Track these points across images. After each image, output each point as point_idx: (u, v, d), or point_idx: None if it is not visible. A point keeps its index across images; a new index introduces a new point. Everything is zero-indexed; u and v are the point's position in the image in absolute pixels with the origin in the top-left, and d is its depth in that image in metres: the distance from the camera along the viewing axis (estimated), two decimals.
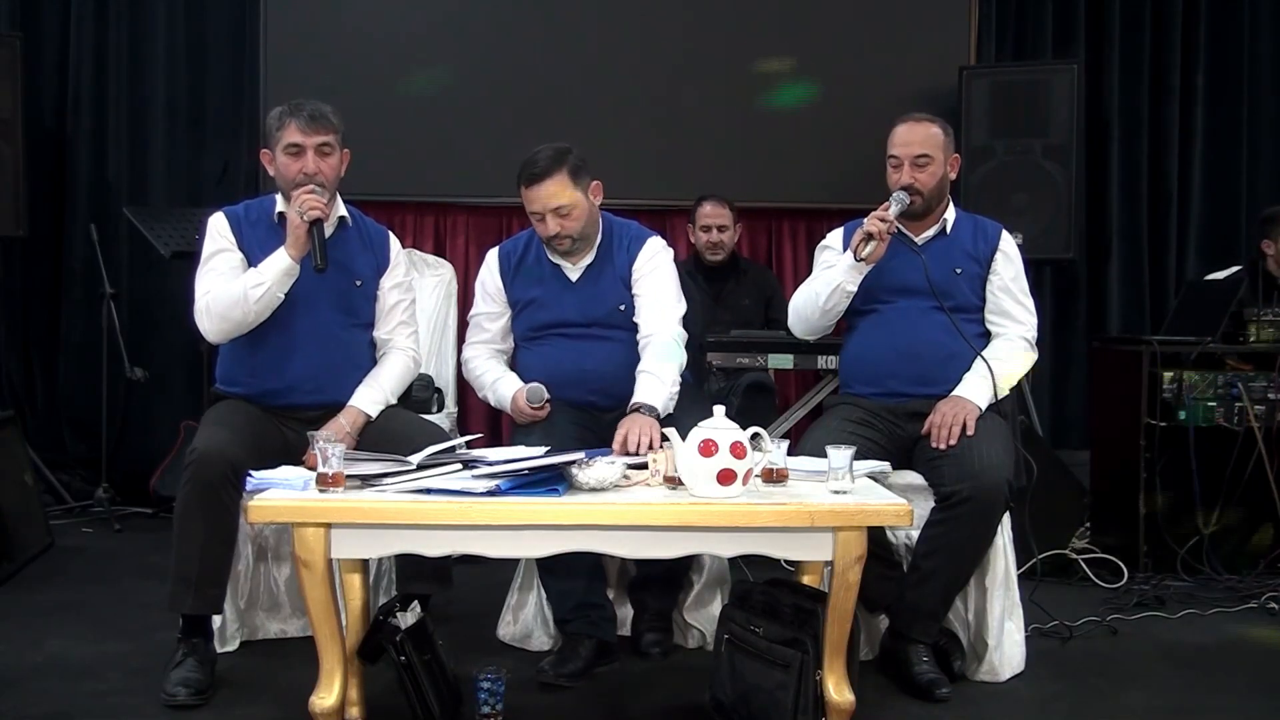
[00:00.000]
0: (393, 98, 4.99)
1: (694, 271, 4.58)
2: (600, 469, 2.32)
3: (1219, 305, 4.03)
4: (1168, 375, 3.92)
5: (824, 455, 2.40)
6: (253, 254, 2.92)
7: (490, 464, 2.32)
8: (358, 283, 3.02)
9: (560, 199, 2.97)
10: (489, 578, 3.32)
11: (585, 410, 3.04)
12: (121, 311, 4.75)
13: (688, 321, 3.13)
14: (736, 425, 2.29)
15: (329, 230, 2.92)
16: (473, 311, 3.24)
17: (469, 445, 2.61)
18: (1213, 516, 3.90)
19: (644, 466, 2.46)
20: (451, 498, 2.24)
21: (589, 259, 3.11)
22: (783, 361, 4.11)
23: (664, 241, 3.20)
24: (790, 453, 2.50)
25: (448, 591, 2.89)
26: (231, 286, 2.84)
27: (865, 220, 2.95)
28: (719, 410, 2.34)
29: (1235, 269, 4.57)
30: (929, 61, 5.16)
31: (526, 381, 3.04)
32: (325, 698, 2.32)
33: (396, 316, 3.10)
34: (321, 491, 2.26)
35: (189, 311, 2.94)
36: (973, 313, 3.06)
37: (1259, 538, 3.96)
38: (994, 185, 4.77)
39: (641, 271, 3.10)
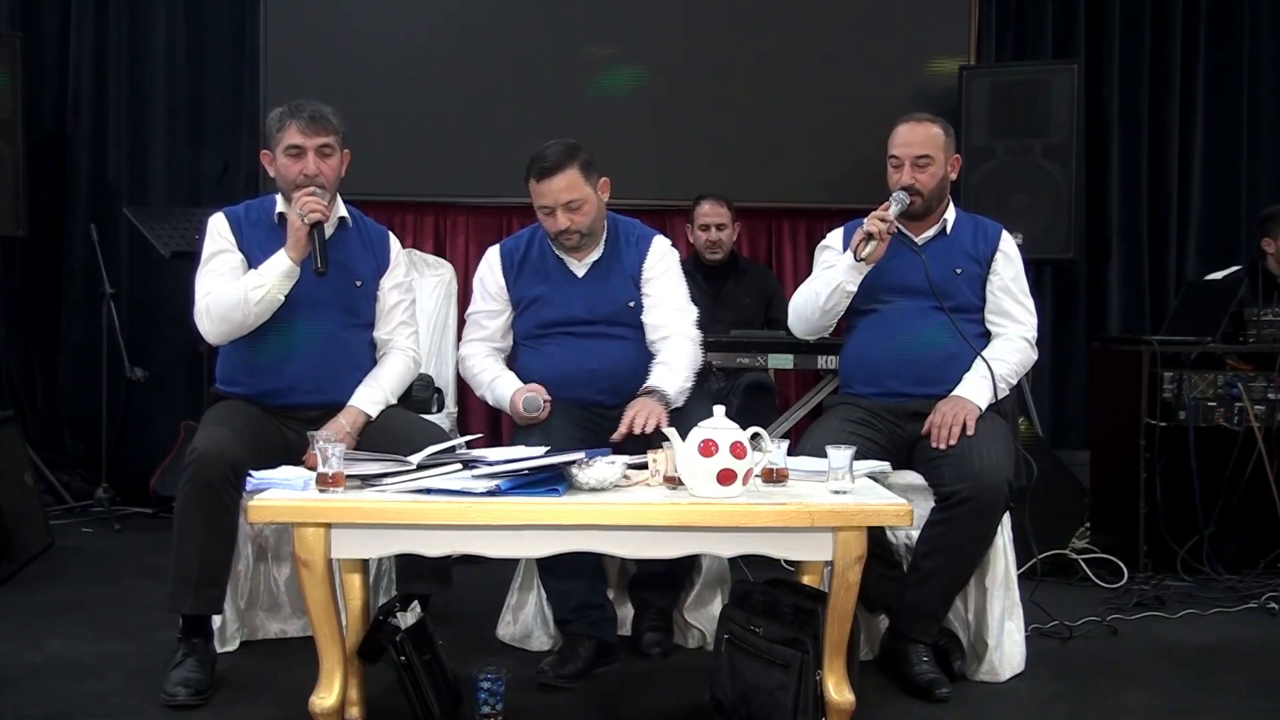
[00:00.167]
0: (393, 98, 4.99)
1: (693, 271, 4.57)
2: (600, 469, 2.32)
3: (1219, 305, 4.04)
4: (1168, 375, 3.92)
5: (824, 455, 2.40)
6: (253, 255, 2.92)
7: (490, 464, 2.32)
8: (358, 283, 3.02)
9: (572, 193, 2.98)
10: (489, 578, 3.32)
11: (589, 409, 3.03)
12: (121, 311, 4.75)
13: None
14: (736, 425, 2.29)
15: (329, 231, 2.92)
16: (470, 309, 3.23)
17: (469, 445, 2.61)
18: (1213, 516, 3.90)
19: (644, 466, 2.46)
20: (451, 498, 2.24)
21: (595, 255, 3.11)
22: (783, 361, 4.11)
23: (670, 242, 3.21)
24: (790, 453, 2.50)
25: (448, 591, 2.89)
26: (232, 288, 2.84)
27: (865, 220, 2.95)
28: (719, 410, 2.34)
29: (1235, 269, 4.58)
30: (929, 61, 5.17)
31: (527, 381, 3.04)
32: (325, 698, 2.32)
33: (397, 317, 3.10)
34: (321, 491, 2.26)
35: (189, 311, 2.94)
36: (973, 313, 3.06)
37: None
38: (994, 185, 4.78)
39: (654, 271, 3.11)
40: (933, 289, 3.00)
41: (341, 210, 3.03)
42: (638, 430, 2.67)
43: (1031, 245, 4.37)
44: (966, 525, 2.75)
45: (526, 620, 3.12)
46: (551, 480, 2.31)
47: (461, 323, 3.41)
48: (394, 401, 3.02)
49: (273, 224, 2.98)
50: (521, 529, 2.26)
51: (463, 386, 3.49)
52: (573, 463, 2.32)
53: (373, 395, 2.96)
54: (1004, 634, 2.90)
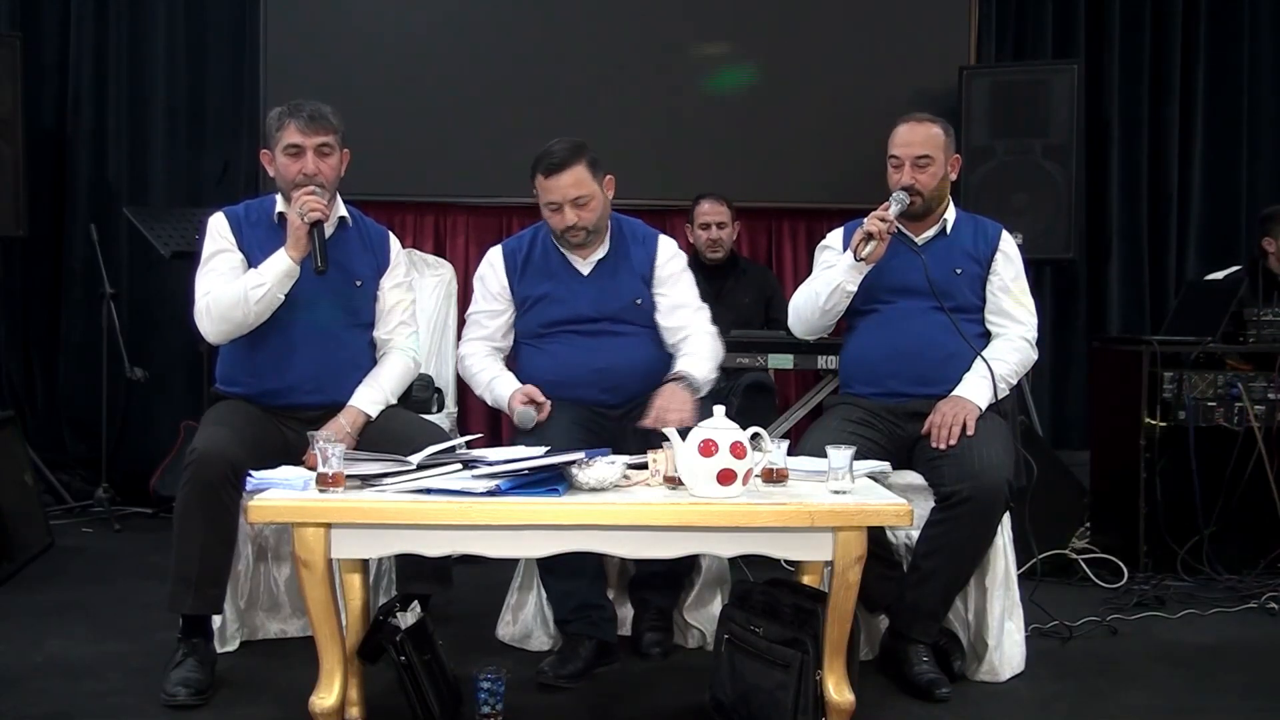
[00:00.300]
0: (393, 98, 4.99)
1: (693, 270, 4.57)
2: (600, 469, 2.32)
3: (1219, 305, 4.04)
4: (1168, 375, 3.92)
5: (824, 455, 2.40)
6: (253, 254, 2.92)
7: (490, 464, 2.32)
8: (358, 283, 3.02)
9: (580, 189, 2.98)
10: (489, 578, 3.32)
11: (591, 409, 3.03)
12: (121, 311, 4.75)
13: None
14: (736, 425, 2.29)
15: (329, 230, 2.92)
16: (471, 309, 3.23)
17: (469, 445, 2.61)
18: (1212, 516, 3.90)
19: (644, 466, 2.46)
20: (451, 498, 2.24)
21: (601, 253, 3.11)
22: (783, 361, 4.12)
23: (675, 242, 3.22)
24: (790, 453, 2.50)
25: (448, 591, 2.89)
26: (232, 287, 2.84)
27: (865, 220, 2.95)
28: (719, 410, 2.34)
29: (1235, 269, 4.58)
30: (929, 61, 5.16)
31: (529, 381, 3.03)
32: (325, 698, 2.32)
33: (396, 316, 3.10)
34: (321, 491, 2.26)
35: (189, 311, 2.94)
36: (973, 313, 3.06)
37: None
38: (994, 185, 4.78)
39: (667, 270, 3.14)
40: (933, 289, 3.00)
41: (341, 210, 3.03)
42: (663, 427, 2.62)
43: (1031, 245, 4.37)
44: (966, 525, 2.75)
45: (526, 620, 3.12)
46: (551, 480, 2.31)
47: (461, 323, 3.41)
48: (394, 401, 3.02)
49: (273, 224, 2.98)
50: (521, 529, 2.26)
51: (463, 386, 3.49)
52: (573, 463, 2.32)
53: (373, 395, 2.96)
54: (1004, 634, 2.90)
